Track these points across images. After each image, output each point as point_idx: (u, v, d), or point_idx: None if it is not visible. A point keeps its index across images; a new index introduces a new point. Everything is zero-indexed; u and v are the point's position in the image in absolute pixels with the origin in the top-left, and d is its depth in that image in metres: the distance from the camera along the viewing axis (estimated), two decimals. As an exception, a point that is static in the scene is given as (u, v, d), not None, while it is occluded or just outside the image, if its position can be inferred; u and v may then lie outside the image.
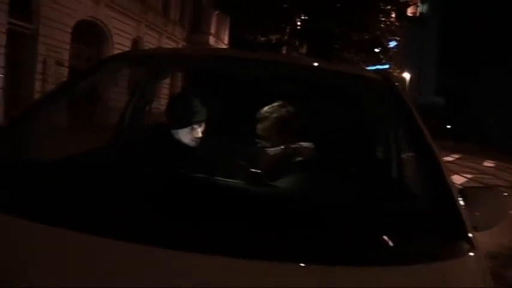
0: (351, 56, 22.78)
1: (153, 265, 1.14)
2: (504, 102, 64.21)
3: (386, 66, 26.60)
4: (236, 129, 2.55)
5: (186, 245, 1.19)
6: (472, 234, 1.42)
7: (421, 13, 38.29)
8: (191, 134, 2.43)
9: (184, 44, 26.70)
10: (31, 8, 14.56)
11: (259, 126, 2.43)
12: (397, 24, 23.32)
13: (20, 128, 2.01)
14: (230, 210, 1.37)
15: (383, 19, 21.89)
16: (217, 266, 1.15)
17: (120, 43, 19.48)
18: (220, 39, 29.99)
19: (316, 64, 2.53)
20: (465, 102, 68.90)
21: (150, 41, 22.59)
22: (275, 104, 2.43)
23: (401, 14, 23.07)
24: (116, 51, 16.11)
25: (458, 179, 13.37)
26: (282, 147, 2.31)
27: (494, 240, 4.99)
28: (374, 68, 24.17)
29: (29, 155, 2.06)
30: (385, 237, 1.27)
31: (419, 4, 33.62)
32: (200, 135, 2.44)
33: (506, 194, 1.76)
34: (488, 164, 22.84)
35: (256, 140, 2.44)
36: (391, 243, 1.26)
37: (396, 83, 2.34)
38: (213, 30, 28.16)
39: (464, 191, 1.64)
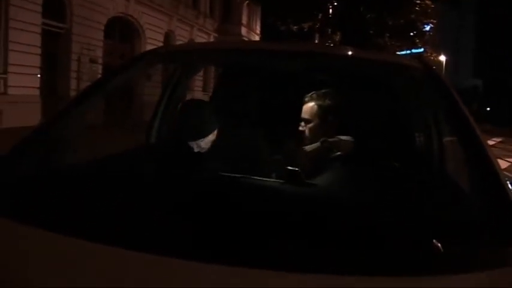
0: (385, 41, 22.40)
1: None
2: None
3: (421, 50, 26.06)
4: (270, 125, 2.48)
5: (230, 261, 1.11)
6: None
7: (456, -6, 37.27)
8: (197, 146, 2.36)
9: (216, 35, 26.78)
10: (63, 7, 14.84)
11: (303, 108, 2.36)
12: (432, 6, 22.77)
13: (55, 128, 1.99)
14: (270, 216, 1.29)
15: (418, 1, 21.41)
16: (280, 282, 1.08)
17: (153, 38, 19.67)
18: (252, 30, 29.97)
19: (351, 53, 2.43)
20: (505, 83, 67.01)
21: (182, 34, 22.75)
22: (322, 91, 2.36)
23: (436, -5, 22.55)
24: (149, 46, 16.25)
25: (501, 164, 13.00)
26: (320, 141, 2.24)
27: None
28: (409, 52, 23.73)
29: (64, 155, 2.06)
30: (438, 244, 1.18)
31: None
32: (206, 146, 2.36)
33: None
34: (531, 147, 22.14)
35: (296, 129, 2.37)
36: (445, 250, 1.17)
37: (434, 67, 2.23)
38: (244, 20, 28.18)
39: None
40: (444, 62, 41.11)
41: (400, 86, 2.58)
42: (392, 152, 2.15)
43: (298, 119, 2.38)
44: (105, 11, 16.78)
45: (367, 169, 1.89)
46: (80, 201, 1.38)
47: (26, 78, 13.10)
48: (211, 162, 2.25)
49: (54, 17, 14.46)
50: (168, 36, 21.75)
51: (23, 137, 1.82)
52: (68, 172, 1.79)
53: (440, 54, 37.71)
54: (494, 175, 1.45)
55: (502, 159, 14.36)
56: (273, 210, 1.33)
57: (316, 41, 22.66)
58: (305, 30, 21.62)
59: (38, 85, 13.81)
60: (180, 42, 20.85)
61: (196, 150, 2.34)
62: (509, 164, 13.78)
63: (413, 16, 21.53)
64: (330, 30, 22.10)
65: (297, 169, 1.58)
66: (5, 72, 12.71)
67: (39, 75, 13.85)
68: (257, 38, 32.12)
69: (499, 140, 22.96)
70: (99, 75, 13.75)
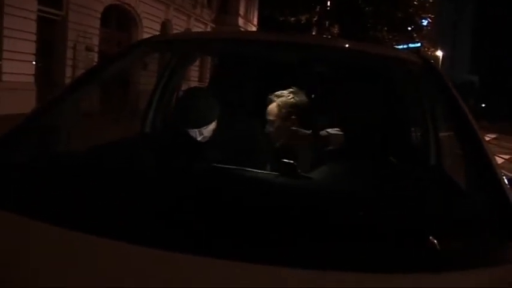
0: (382, 35, 22.36)
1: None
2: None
3: (419, 45, 26.05)
4: (263, 115, 2.47)
5: (229, 254, 1.09)
6: None
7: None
8: (201, 133, 2.33)
9: (213, 26, 26.67)
10: (60, -6, 14.69)
11: (267, 110, 2.38)
12: (430, 1, 22.74)
13: (49, 115, 1.97)
14: (264, 209, 1.28)
15: (416, -5, 21.38)
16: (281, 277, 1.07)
17: (150, 27, 19.56)
18: (249, 21, 29.86)
19: (348, 46, 2.41)
20: (501, 80, 67.06)
21: (179, 24, 22.64)
22: (287, 90, 2.37)
23: (435, -11, 22.49)
24: (146, 35, 16.15)
25: (496, 160, 13.01)
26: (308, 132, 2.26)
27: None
28: (406, 46, 23.72)
29: (58, 143, 2.04)
30: (434, 241, 1.16)
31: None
32: (209, 134, 2.35)
33: None
34: (526, 143, 22.19)
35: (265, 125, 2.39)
36: (442, 247, 1.16)
37: (432, 61, 2.21)
38: (241, 11, 28.07)
39: None
40: (441, 57, 41.13)
41: (398, 79, 2.56)
42: (389, 146, 2.14)
43: None
44: (101, -1, 16.67)
45: (363, 163, 1.87)
46: (73, 191, 1.36)
47: (20, 65, 12.99)
48: (208, 152, 2.23)
49: (50, 4, 14.32)
50: (165, 25, 21.63)
51: (15, 124, 1.79)
52: (61, 161, 1.76)
53: (437, 49, 37.73)
54: (491, 171, 1.44)
55: (497, 155, 14.40)
56: (267, 204, 1.32)
57: (314, 33, 22.61)
58: (302, 22, 21.53)
59: (33, 72, 13.69)
60: (177, 32, 20.75)
61: (199, 138, 2.33)
62: (503, 160, 13.82)
63: (411, 10, 21.48)
64: (327, 22, 22.01)
65: (292, 162, 1.56)
66: (0, 59, 12.61)
67: (34, 62, 13.73)
68: (254, 29, 32.00)
69: (493, 136, 23.03)
70: (95, 63, 13.67)
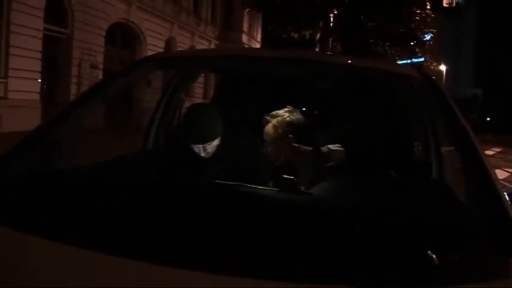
0: (385, 50, 22.41)
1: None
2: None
3: (422, 60, 26.08)
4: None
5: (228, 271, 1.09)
6: None
7: (456, 3, 37.35)
8: (205, 149, 2.35)
9: (217, 42, 26.84)
10: (65, 13, 14.87)
11: (264, 130, 2.38)
12: (432, 15, 22.82)
13: (52, 131, 1.98)
14: (264, 225, 1.28)
15: (418, 11, 21.45)
16: None
17: (154, 44, 19.72)
18: (252, 37, 30.06)
19: (350, 62, 2.43)
20: (505, 93, 66.94)
21: (183, 41, 22.81)
22: (283, 109, 2.37)
23: (436, 4, 22.59)
24: (150, 53, 16.24)
25: (500, 174, 12.96)
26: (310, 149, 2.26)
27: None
28: (409, 61, 23.76)
29: (60, 158, 2.04)
30: (433, 255, 1.16)
31: (455, -6, 32.86)
32: (212, 150, 2.36)
33: None
34: (531, 157, 22.09)
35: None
36: (442, 261, 1.16)
37: (433, 77, 2.23)
38: (245, 28, 28.27)
39: None
40: (444, 72, 41.16)
41: (399, 95, 2.57)
42: (391, 161, 2.14)
43: None
44: (106, 17, 16.82)
45: (364, 178, 1.87)
46: (72, 207, 1.37)
47: (26, 83, 13.10)
48: (211, 169, 2.24)
49: (55, 22, 14.48)
50: (169, 42, 21.80)
51: (20, 140, 1.81)
52: (62, 176, 1.77)
53: (440, 64, 37.76)
54: (491, 186, 1.44)
55: (502, 169, 14.35)
56: (267, 220, 1.32)
57: (317, 49, 22.69)
58: (306, 38, 21.61)
59: (38, 90, 13.81)
60: (181, 49, 20.89)
61: (202, 154, 2.34)
62: (508, 174, 13.75)
63: (413, 25, 21.55)
64: (331, 38, 22.09)
65: (292, 177, 1.56)
66: (6, 76, 12.71)
67: (39, 80, 13.86)
68: (258, 45, 32.18)
69: (498, 150, 22.93)
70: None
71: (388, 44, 22.31)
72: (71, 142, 2.19)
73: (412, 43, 22.91)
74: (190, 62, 2.75)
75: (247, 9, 25.80)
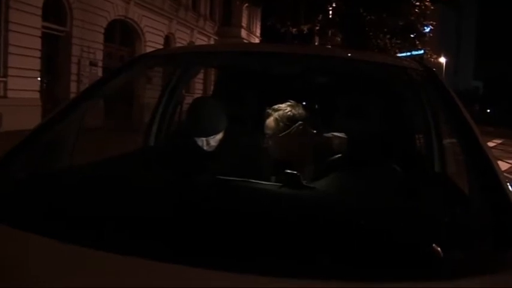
0: (385, 42, 22.34)
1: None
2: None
3: (421, 52, 26.00)
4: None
5: (234, 267, 1.08)
6: None
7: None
8: (209, 142, 2.36)
9: (216, 38, 26.80)
10: (64, 10, 14.85)
11: (265, 124, 2.36)
12: (432, 8, 22.72)
13: (51, 130, 1.97)
14: (268, 221, 1.27)
15: (417, 3, 21.36)
16: None
17: (153, 41, 19.69)
18: (251, 32, 30.01)
19: (349, 55, 2.42)
20: (505, 85, 66.76)
21: (182, 37, 22.78)
22: (284, 103, 2.35)
23: (435, -3, 22.50)
24: (149, 49, 16.26)
25: (502, 165, 12.95)
26: (297, 124, 2.24)
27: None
28: (409, 54, 23.70)
29: (59, 159, 2.04)
30: (438, 249, 1.15)
31: (454, -14, 32.70)
32: (215, 144, 2.37)
33: None
34: (532, 148, 22.07)
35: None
36: (446, 254, 1.15)
37: (434, 69, 2.21)
38: (244, 23, 28.23)
39: None
40: (444, 64, 41.11)
41: (400, 87, 2.56)
42: (393, 154, 2.13)
43: None
44: (105, 14, 16.79)
45: (366, 172, 1.86)
46: (73, 206, 1.36)
47: (26, 82, 13.09)
48: (212, 164, 2.23)
49: (54, 20, 14.47)
50: (168, 39, 21.76)
51: (19, 139, 1.80)
52: (62, 175, 1.76)
53: (440, 56, 37.67)
54: (494, 178, 1.43)
55: (503, 160, 14.34)
56: (271, 215, 1.31)
57: (316, 43, 22.64)
58: (305, 32, 21.53)
59: (37, 88, 13.80)
60: (180, 45, 20.86)
61: (205, 147, 2.35)
62: (510, 165, 13.75)
63: (412, 18, 21.45)
64: (330, 32, 22.01)
65: (295, 172, 1.56)
66: (5, 75, 12.70)
67: (39, 79, 13.85)
68: (257, 40, 32.14)
69: (499, 141, 22.92)
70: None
71: (388, 36, 22.24)
72: (71, 140, 2.18)
73: (412, 35, 22.83)
74: (189, 58, 2.74)
75: (246, 4, 25.70)
